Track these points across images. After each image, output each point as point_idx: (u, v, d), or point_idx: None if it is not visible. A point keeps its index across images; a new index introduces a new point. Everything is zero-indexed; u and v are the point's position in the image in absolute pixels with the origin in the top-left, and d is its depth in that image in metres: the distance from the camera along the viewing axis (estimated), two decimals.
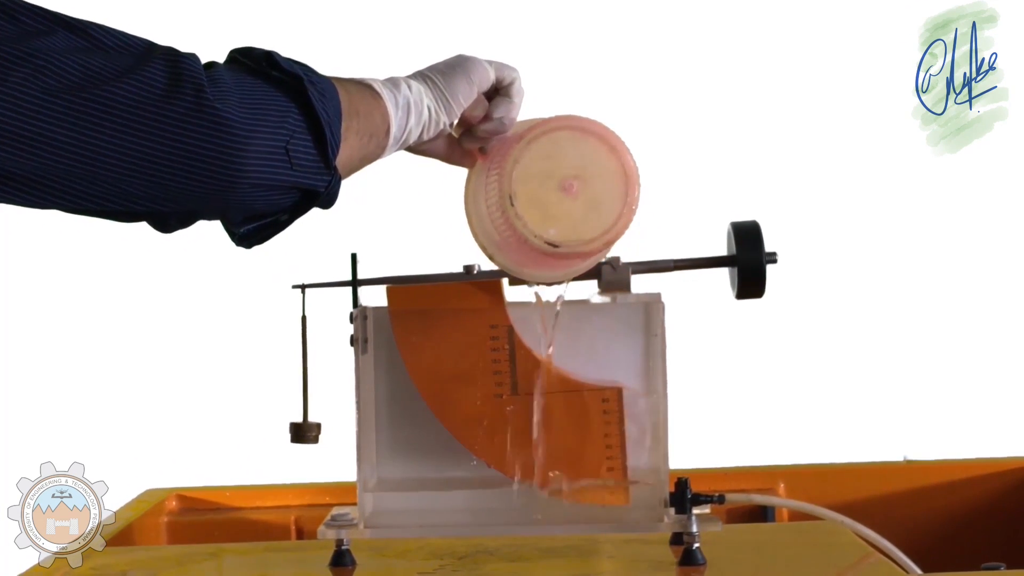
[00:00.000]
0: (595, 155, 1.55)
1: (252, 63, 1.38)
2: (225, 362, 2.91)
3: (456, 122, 1.55)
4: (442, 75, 1.52)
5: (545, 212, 1.55)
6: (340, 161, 1.40)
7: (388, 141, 1.47)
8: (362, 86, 1.46)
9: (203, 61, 1.37)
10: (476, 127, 1.56)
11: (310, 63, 1.42)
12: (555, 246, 1.55)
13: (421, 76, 1.51)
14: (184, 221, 1.40)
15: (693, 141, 2.93)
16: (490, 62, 1.55)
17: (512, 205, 1.54)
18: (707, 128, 2.96)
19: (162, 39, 1.36)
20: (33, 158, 1.26)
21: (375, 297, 1.75)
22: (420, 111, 1.49)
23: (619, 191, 1.55)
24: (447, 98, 1.51)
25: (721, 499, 1.74)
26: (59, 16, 1.32)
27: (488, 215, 1.59)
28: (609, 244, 1.57)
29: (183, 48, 1.36)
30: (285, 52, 1.41)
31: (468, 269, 1.73)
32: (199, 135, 1.30)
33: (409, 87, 1.49)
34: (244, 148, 1.32)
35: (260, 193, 1.35)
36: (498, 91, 1.56)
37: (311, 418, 1.72)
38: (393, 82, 1.49)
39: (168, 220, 1.39)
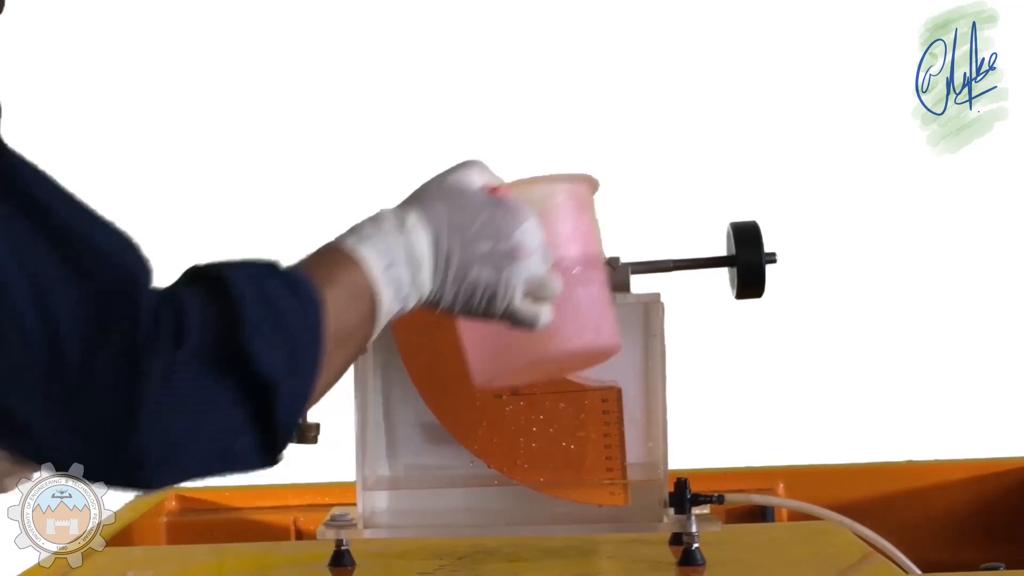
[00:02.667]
0: (587, 359, 1.52)
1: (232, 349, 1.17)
2: None
3: None
4: (459, 304, 1.32)
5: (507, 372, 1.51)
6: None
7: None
8: (366, 303, 1.27)
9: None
10: None
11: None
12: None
13: (443, 287, 1.31)
14: None
15: (693, 141, 2.93)
16: (524, 315, 1.33)
17: (487, 383, 1.50)
18: (707, 128, 2.96)
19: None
20: None
21: None
22: (403, 313, 1.32)
23: (580, 368, 1.59)
24: (439, 311, 1.33)
25: (720, 499, 1.74)
26: (33, 205, 1.12)
27: None
28: None
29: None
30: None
31: None
32: (125, 438, 1.12)
33: (419, 291, 1.30)
34: (173, 455, 1.14)
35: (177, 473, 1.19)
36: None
37: (310, 419, 1.72)
38: (412, 277, 1.29)
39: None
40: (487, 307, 1.32)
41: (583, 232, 1.47)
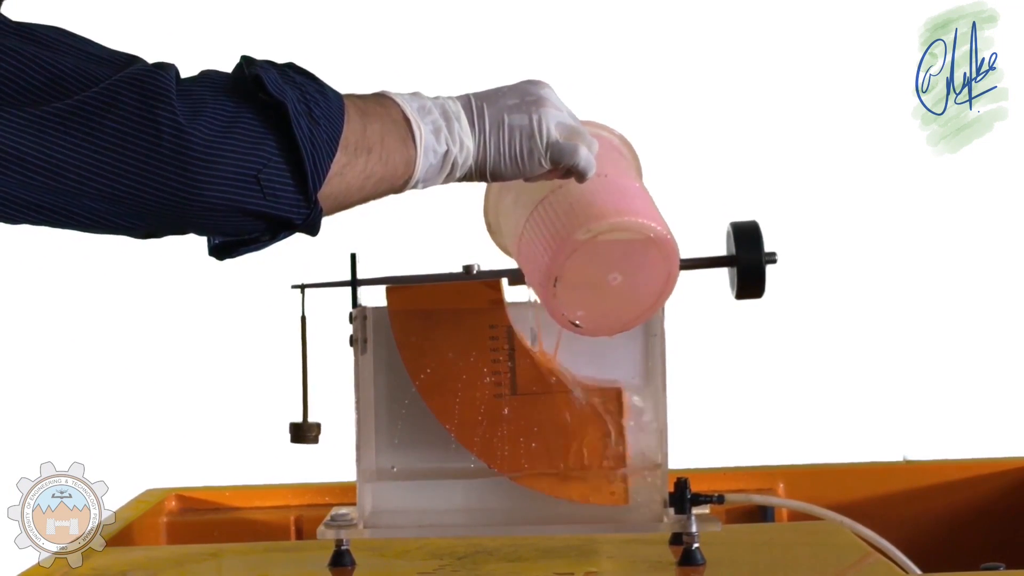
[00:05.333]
0: (648, 260, 1.58)
1: (245, 81, 1.33)
2: (225, 362, 2.91)
3: None
4: (504, 154, 1.46)
5: (580, 296, 1.59)
6: (331, 195, 1.36)
7: (403, 189, 1.43)
8: (399, 125, 1.40)
9: (208, 69, 1.34)
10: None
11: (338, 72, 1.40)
12: (577, 326, 1.61)
13: (484, 137, 1.45)
14: (153, 236, 1.36)
15: (693, 141, 2.92)
16: (565, 147, 1.48)
17: (554, 285, 1.56)
18: (707, 128, 2.96)
19: (167, 43, 1.35)
20: None
21: (375, 297, 1.75)
22: (454, 171, 1.45)
23: (654, 293, 1.61)
24: (491, 175, 1.47)
25: (720, 499, 1.74)
26: (27, 27, 1.29)
27: (519, 234, 1.63)
28: (623, 331, 1.65)
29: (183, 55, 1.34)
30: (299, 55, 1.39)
31: (468, 269, 1.73)
32: (156, 152, 1.26)
33: (461, 144, 1.43)
34: (202, 170, 1.27)
35: (222, 217, 1.31)
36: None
37: (311, 418, 1.72)
38: (447, 125, 1.43)
39: (136, 235, 1.36)
40: (530, 148, 1.45)
41: (626, 168, 1.63)
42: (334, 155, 1.33)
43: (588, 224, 1.55)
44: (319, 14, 3.01)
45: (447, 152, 1.42)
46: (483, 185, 1.73)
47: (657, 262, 1.58)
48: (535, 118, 1.46)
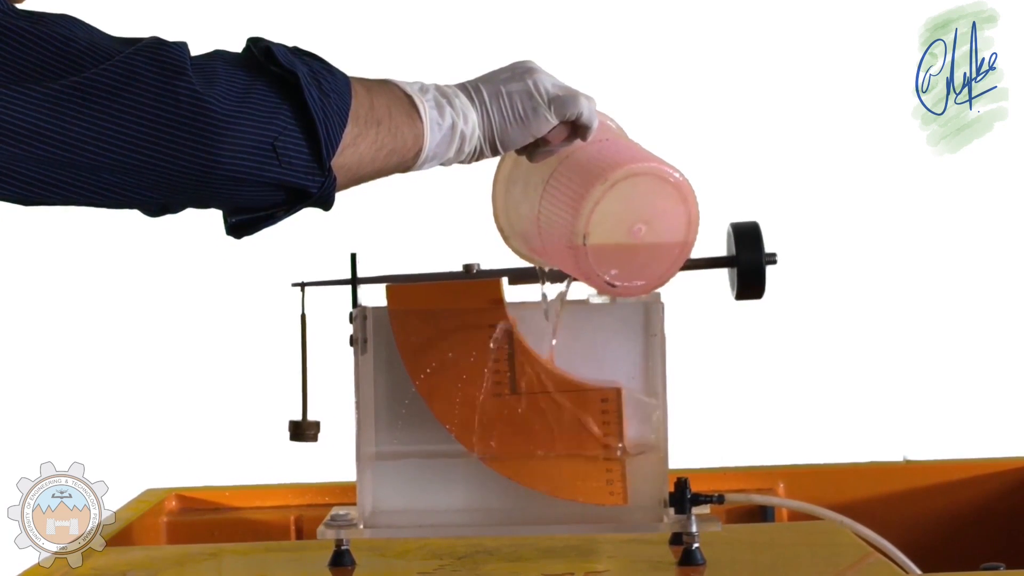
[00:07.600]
0: (666, 203, 1.58)
1: (255, 57, 1.36)
2: (225, 361, 2.91)
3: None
4: (509, 118, 1.50)
5: (610, 254, 1.58)
6: (345, 166, 1.38)
7: (415, 162, 1.45)
8: (402, 101, 1.44)
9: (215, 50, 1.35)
10: (536, 149, 1.55)
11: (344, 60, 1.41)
12: (613, 286, 1.60)
13: (486, 107, 1.49)
14: (168, 210, 1.38)
15: (693, 141, 2.92)
16: (566, 98, 1.52)
17: (583, 244, 1.56)
18: (707, 128, 2.96)
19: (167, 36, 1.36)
20: (13, 147, 1.25)
21: (375, 296, 1.75)
22: (463, 145, 1.48)
23: (679, 239, 1.60)
24: (501, 143, 1.50)
25: (721, 499, 1.74)
26: (36, 13, 1.31)
27: (535, 214, 1.62)
28: (659, 287, 1.64)
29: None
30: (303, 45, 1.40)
31: (468, 269, 1.73)
32: (174, 121, 1.28)
33: (465, 118, 1.47)
34: (221, 138, 1.30)
35: (240, 188, 1.33)
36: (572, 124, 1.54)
37: (310, 416, 1.72)
38: (448, 102, 1.46)
39: (151, 209, 1.38)
40: (533, 107, 1.50)
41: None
42: (345, 125, 1.37)
43: (606, 174, 1.55)
44: (307, 16, 3.01)
45: (453, 125, 1.45)
46: (486, 183, 1.74)
47: (677, 206, 1.58)
48: (530, 81, 1.50)
